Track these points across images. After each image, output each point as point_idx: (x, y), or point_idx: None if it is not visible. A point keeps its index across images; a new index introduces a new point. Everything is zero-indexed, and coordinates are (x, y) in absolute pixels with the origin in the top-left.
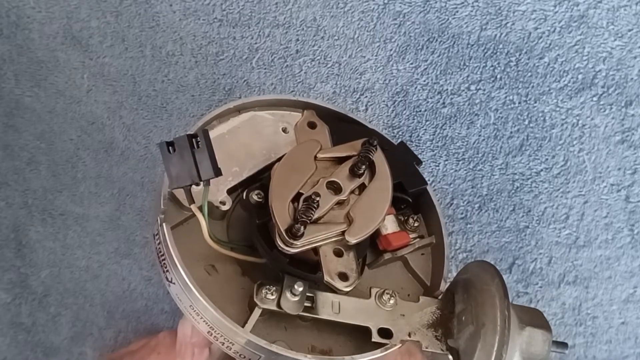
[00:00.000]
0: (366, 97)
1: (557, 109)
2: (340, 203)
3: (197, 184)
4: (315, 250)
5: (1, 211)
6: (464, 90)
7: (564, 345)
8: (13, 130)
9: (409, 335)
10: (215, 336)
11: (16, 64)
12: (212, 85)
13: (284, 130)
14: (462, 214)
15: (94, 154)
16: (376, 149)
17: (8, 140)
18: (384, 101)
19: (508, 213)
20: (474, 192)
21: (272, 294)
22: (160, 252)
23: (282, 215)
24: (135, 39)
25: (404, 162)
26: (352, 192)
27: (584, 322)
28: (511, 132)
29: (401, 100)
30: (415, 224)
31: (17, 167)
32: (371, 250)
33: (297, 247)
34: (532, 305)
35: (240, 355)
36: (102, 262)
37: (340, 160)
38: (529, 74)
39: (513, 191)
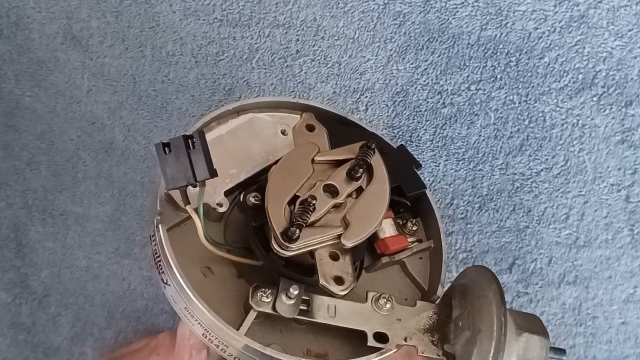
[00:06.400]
0: (366, 97)
1: (557, 109)
2: (337, 206)
3: (193, 185)
4: (312, 254)
5: (1, 211)
6: (464, 90)
7: (561, 351)
8: (13, 130)
9: (405, 339)
10: (210, 339)
11: (16, 64)
12: (212, 86)
13: (283, 132)
14: (462, 214)
15: (94, 154)
16: (374, 152)
17: (8, 140)
18: (384, 101)
19: (508, 213)
20: (474, 192)
21: (268, 297)
22: (156, 253)
23: (277, 218)
24: (135, 39)
25: (403, 165)
26: (349, 195)
27: (584, 322)
28: (511, 132)
29: (401, 101)
30: (414, 228)
31: (17, 167)
32: (369, 253)
33: (293, 250)
34: (532, 305)
35: (235, 358)
36: (102, 262)
37: (337, 163)
38: (529, 74)
39: (513, 191)
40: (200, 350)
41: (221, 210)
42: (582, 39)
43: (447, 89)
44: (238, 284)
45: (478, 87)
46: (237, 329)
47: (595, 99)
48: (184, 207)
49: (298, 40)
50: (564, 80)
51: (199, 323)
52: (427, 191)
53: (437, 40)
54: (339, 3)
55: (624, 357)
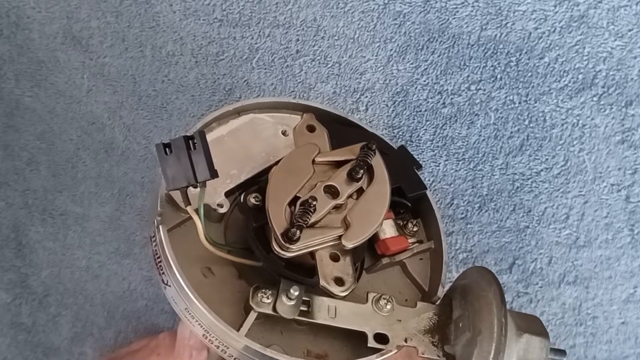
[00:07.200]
0: (366, 97)
1: (558, 109)
2: (337, 207)
3: (194, 186)
4: (312, 255)
5: (1, 211)
6: (464, 90)
7: (562, 352)
8: (13, 130)
9: (406, 340)
10: (210, 339)
11: (16, 64)
12: (212, 86)
13: (284, 133)
14: (462, 214)
15: (94, 154)
16: (375, 153)
17: (8, 140)
18: (384, 101)
19: (508, 213)
20: (474, 192)
21: (268, 298)
22: (157, 254)
23: (278, 218)
24: (135, 39)
25: (403, 166)
26: (350, 196)
27: (584, 322)
28: (511, 132)
29: (401, 101)
30: (414, 229)
31: (17, 167)
32: (369, 254)
33: (293, 251)
34: (532, 305)
35: (235, 358)
36: (102, 262)
37: (338, 164)
38: (529, 74)
39: (513, 191)
40: (201, 350)
41: (222, 210)
42: (582, 39)
43: (447, 89)
44: (238, 285)
45: (478, 87)
46: (238, 330)
47: (595, 99)
48: (184, 207)
49: (298, 40)
50: (564, 80)
51: (199, 324)
52: (427, 192)
53: (437, 40)
54: (339, 3)
55: (624, 357)
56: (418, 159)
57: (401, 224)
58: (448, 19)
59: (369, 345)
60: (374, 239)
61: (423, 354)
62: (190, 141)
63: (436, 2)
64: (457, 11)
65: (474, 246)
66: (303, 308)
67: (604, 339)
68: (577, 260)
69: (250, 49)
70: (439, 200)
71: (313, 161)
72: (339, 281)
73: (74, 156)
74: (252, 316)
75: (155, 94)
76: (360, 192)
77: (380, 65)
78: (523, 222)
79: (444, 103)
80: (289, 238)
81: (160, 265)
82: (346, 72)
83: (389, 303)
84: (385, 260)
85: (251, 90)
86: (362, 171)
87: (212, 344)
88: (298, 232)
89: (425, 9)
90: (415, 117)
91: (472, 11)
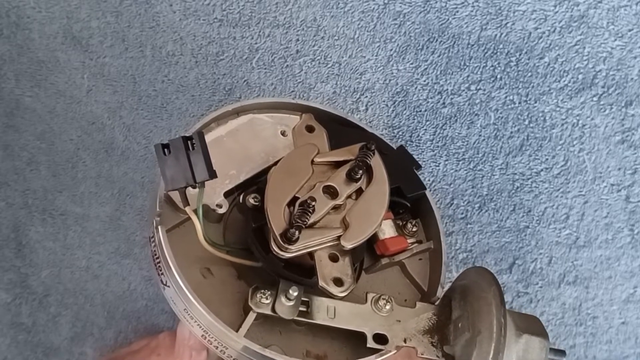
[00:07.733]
0: (366, 97)
1: (558, 109)
2: (336, 208)
3: (193, 186)
4: (311, 255)
5: (1, 211)
6: (464, 90)
7: (561, 352)
8: (13, 130)
9: (405, 341)
10: (209, 340)
11: (16, 64)
12: (212, 86)
13: (283, 133)
14: (462, 214)
15: (94, 154)
16: (374, 153)
17: (8, 140)
18: (384, 101)
19: (508, 213)
20: (474, 192)
21: (267, 298)
22: (156, 254)
23: (277, 219)
24: (135, 39)
25: (403, 166)
26: (349, 196)
27: (584, 322)
28: (511, 132)
29: (401, 100)
30: (414, 229)
31: (17, 167)
32: (368, 254)
33: (292, 251)
34: (532, 305)
35: (234, 359)
36: (102, 262)
37: (337, 165)
38: (529, 74)
39: (513, 191)
40: (200, 350)
41: (220, 211)
42: (582, 39)
43: (447, 89)
44: (237, 285)
45: (478, 87)
46: (237, 331)
47: (595, 99)
48: (183, 208)
49: (298, 40)
50: (564, 80)
51: (198, 324)
52: (426, 192)
53: (437, 40)
54: (339, 3)
55: (624, 357)
56: (418, 159)
57: (400, 224)
58: (448, 19)
59: (368, 345)
60: (373, 239)
61: (422, 354)
62: (188, 142)
63: (436, 2)
64: (457, 11)
65: (474, 246)
66: (302, 308)
67: (604, 339)
68: (577, 260)
69: (250, 49)
70: (438, 200)
71: (312, 161)
72: (338, 282)
73: (74, 156)
74: (251, 317)
75: (155, 94)
76: (359, 192)
77: (380, 65)
78: (523, 222)
79: (444, 103)
80: (288, 239)
81: (159, 266)
82: (346, 72)
83: (388, 303)
84: (384, 261)
85: (251, 90)
86: (361, 171)
87: (211, 344)
88: (297, 232)
89: (425, 9)
90: (415, 117)
91: (472, 11)
